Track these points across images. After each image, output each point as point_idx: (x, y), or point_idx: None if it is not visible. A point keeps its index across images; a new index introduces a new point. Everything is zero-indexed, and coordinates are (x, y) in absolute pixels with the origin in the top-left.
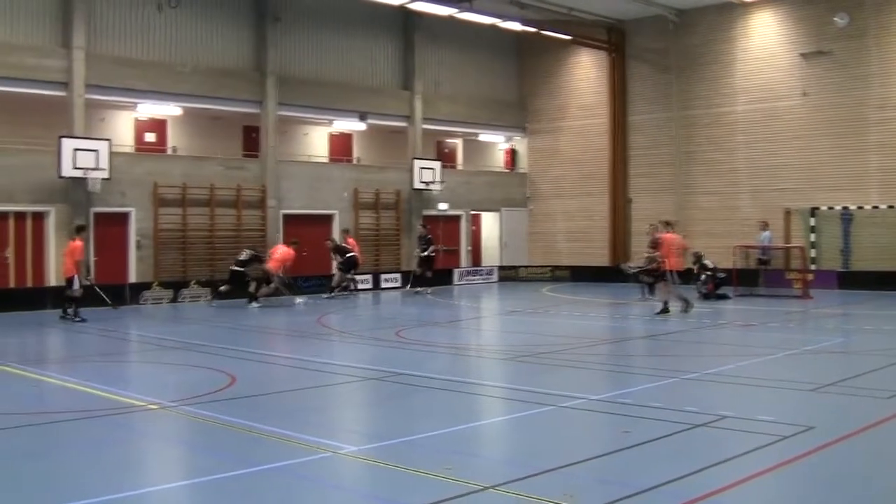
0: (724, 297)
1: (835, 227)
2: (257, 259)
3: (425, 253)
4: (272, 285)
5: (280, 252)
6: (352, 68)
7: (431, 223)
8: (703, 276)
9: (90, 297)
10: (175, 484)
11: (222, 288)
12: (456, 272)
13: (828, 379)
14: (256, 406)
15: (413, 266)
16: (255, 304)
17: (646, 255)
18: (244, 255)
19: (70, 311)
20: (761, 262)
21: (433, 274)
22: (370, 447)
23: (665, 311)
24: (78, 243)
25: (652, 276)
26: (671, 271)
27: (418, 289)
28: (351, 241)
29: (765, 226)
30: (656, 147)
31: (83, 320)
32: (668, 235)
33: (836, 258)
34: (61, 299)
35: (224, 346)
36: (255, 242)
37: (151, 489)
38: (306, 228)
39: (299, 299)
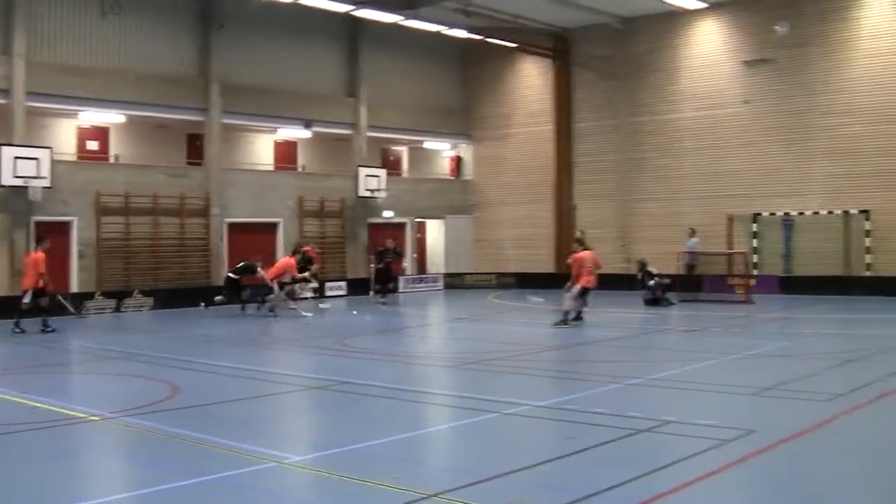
0: (667, 302)
1: (777, 232)
2: (250, 269)
3: (381, 265)
4: (271, 295)
5: (280, 261)
6: (297, 76)
7: (376, 231)
8: (651, 282)
9: (54, 307)
10: (116, 496)
11: (217, 298)
12: (402, 280)
13: (768, 383)
14: (200, 416)
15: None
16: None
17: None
18: (241, 264)
19: (41, 322)
20: (689, 267)
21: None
22: (315, 456)
23: (564, 322)
24: (40, 255)
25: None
26: (584, 288)
27: (382, 299)
28: (308, 249)
29: (692, 232)
30: (602, 154)
31: (22, 331)
32: (581, 253)
33: (777, 263)
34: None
35: (168, 356)
36: (198, 251)
37: (93, 502)
38: (251, 237)
39: (306, 312)
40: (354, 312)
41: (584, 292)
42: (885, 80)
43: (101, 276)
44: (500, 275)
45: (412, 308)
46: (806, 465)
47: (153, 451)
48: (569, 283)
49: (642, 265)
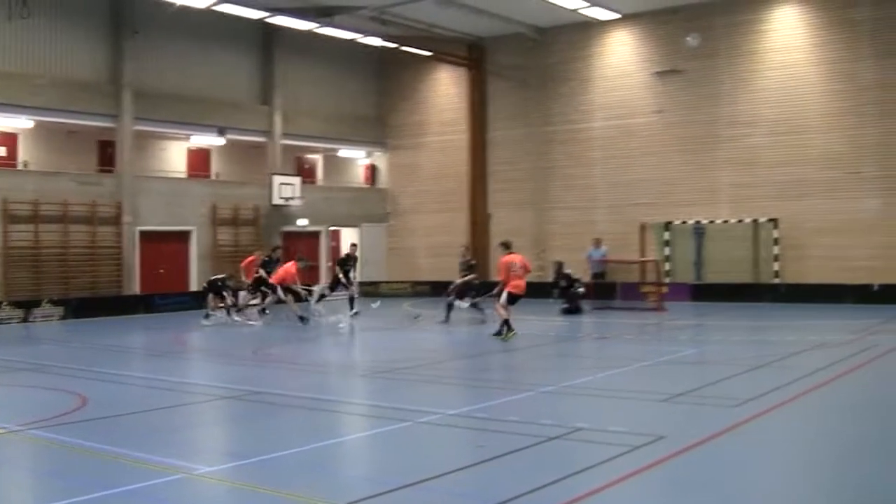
0: (579, 310)
1: (688, 240)
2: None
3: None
4: (268, 298)
5: (283, 268)
6: (211, 82)
7: (291, 239)
8: (577, 288)
9: None
10: None
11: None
12: (316, 288)
13: (679, 389)
14: (109, 428)
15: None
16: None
17: (461, 278)
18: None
19: None
20: (596, 276)
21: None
22: (226, 467)
23: (501, 332)
24: None
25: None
26: (511, 294)
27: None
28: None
29: (598, 242)
30: (516, 162)
31: None
32: (508, 257)
33: (689, 271)
34: None
35: (78, 367)
36: (110, 260)
37: None
38: (163, 245)
39: (343, 322)
40: (375, 305)
41: (512, 299)
42: (789, 91)
43: (8, 285)
44: (414, 283)
45: (325, 317)
46: (714, 469)
47: (59, 464)
48: (497, 289)
49: (559, 267)
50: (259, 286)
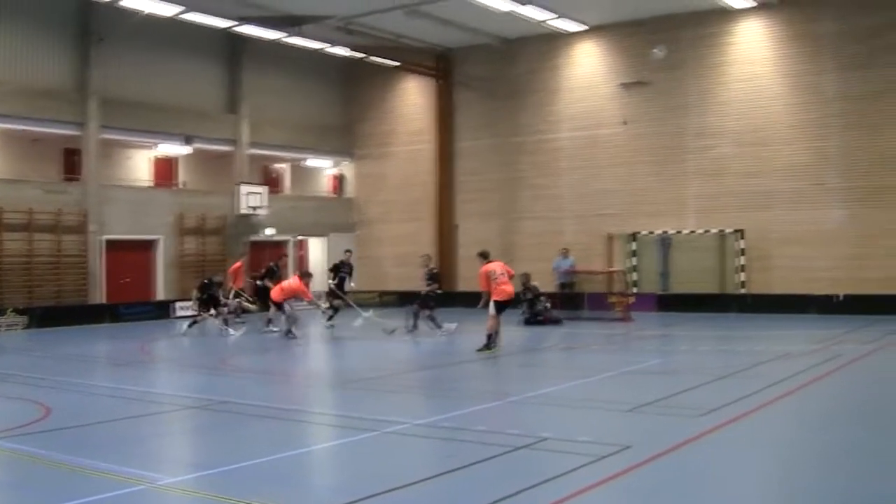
0: (551, 322)
1: (654, 251)
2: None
3: (335, 281)
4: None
5: (288, 285)
6: (178, 91)
7: (258, 249)
8: (542, 303)
9: None
10: None
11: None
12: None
13: (645, 399)
14: (71, 438)
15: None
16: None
17: (425, 287)
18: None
19: None
20: (563, 286)
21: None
22: (189, 478)
23: (489, 347)
24: None
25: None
26: (498, 302)
27: (329, 322)
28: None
29: (566, 252)
30: (483, 173)
31: None
32: (487, 265)
33: (655, 281)
34: None
35: (41, 377)
36: (75, 268)
37: None
38: (129, 254)
39: (364, 314)
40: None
41: (499, 307)
42: (754, 103)
43: None
44: (382, 293)
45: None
46: (680, 479)
47: (21, 475)
48: (482, 301)
49: (526, 279)
50: (258, 297)
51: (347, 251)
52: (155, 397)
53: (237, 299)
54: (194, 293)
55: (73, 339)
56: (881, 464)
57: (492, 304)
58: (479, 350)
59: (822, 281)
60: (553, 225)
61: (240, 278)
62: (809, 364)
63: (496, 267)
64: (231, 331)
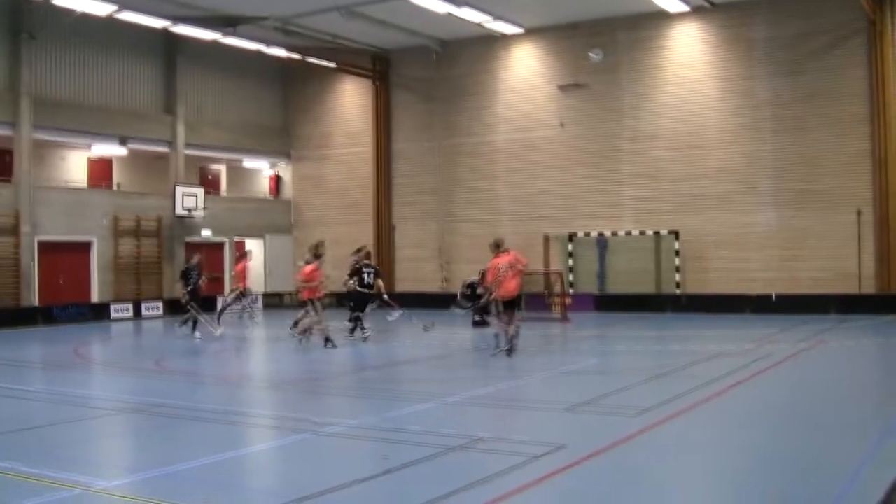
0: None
1: (592, 252)
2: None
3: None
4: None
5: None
6: (113, 91)
7: (193, 249)
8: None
9: None
10: None
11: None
12: (220, 300)
13: (580, 398)
14: (3, 443)
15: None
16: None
17: (347, 283)
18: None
19: None
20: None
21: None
22: (124, 482)
23: (503, 349)
24: None
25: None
26: (504, 301)
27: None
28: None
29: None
30: (420, 175)
31: None
32: (495, 260)
33: (592, 282)
34: None
35: None
36: (8, 271)
37: None
38: (64, 256)
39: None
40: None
41: (507, 305)
42: (689, 107)
43: None
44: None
45: (229, 328)
46: (614, 478)
47: None
48: (484, 299)
49: (482, 279)
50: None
51: (360, 250)
52: (88, 401)
53: (244, 298)
54: (179, 285)
55: (5, 343)
56: (805, 464)
57: (496, 304)
58: (493, 354)
59: (756, 281)
60: (490, 226)
61: (244, 278)
62: (743, 363)
63: (504, 261)
64: (215, 330)
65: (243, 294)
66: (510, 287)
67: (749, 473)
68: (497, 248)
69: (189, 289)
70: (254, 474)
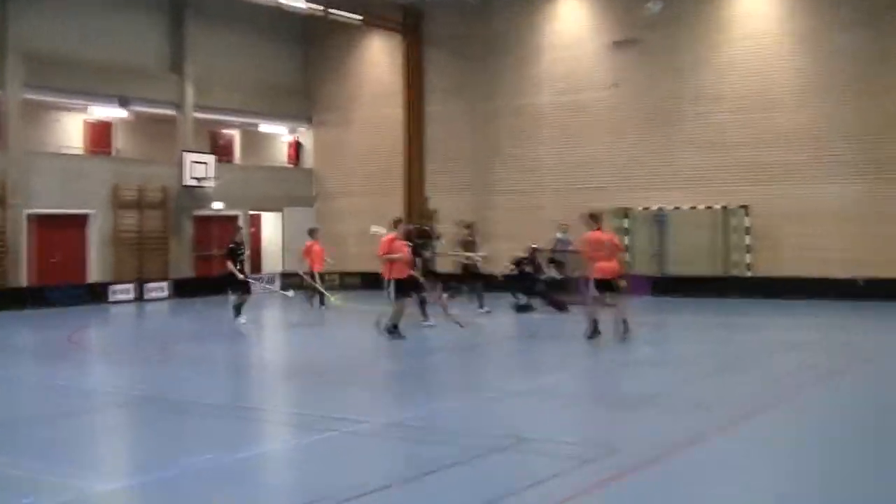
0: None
1: (649, 229)
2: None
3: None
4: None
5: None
6: (112, 47)
7: (204, 224)
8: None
9: None
10: None
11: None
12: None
13: (637, 393)
14: None
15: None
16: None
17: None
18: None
19: None
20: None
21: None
22: (125, 484)
23: (595, 333)
24: None
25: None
26: (599, 281)
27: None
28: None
29: (565, 228)
30: (455, 141)
31: None
32: (590, 234)
33: (650, 263)
34: None
35: None
36: None
37: None
38: (58, 231)
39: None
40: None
41: (602, 286)
42: (757, 64)
43: None
44: (344, 274)
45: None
46: (674, 486)
47: None
48: (584, 276)
49: (532, 254)
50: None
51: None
52: (87, 391)
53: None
54: (230, 266)
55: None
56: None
57: (590, 285)
58: (589, 338)
59: (835, 262)
60: (531, 199)
61: (318, 259)
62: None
63: (602, 238)
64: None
65: (312, 277)
66: (609, 267)
67: (840, 469)
68: (595, 220)
69: (238, 268)
70: (272, 476)
